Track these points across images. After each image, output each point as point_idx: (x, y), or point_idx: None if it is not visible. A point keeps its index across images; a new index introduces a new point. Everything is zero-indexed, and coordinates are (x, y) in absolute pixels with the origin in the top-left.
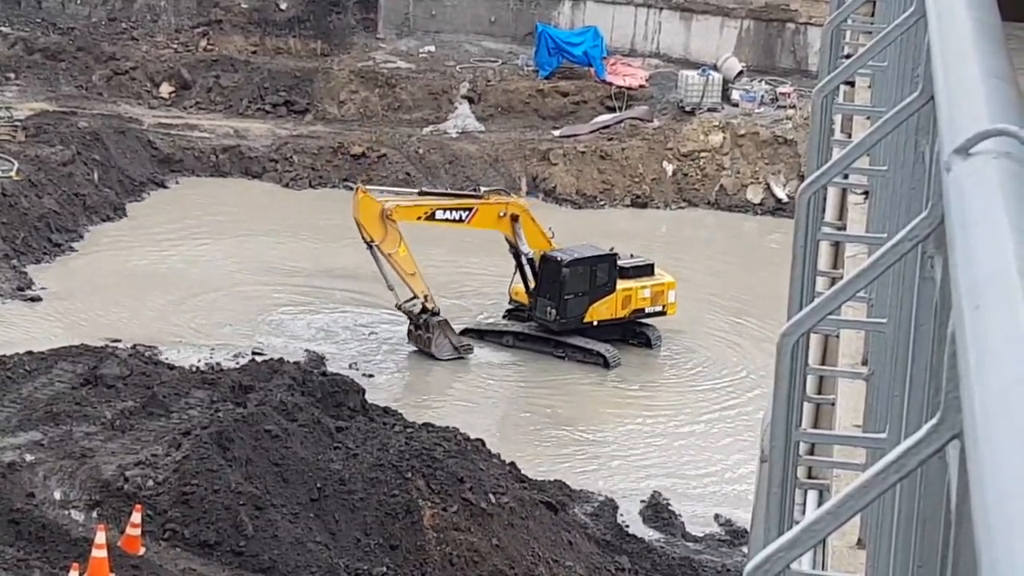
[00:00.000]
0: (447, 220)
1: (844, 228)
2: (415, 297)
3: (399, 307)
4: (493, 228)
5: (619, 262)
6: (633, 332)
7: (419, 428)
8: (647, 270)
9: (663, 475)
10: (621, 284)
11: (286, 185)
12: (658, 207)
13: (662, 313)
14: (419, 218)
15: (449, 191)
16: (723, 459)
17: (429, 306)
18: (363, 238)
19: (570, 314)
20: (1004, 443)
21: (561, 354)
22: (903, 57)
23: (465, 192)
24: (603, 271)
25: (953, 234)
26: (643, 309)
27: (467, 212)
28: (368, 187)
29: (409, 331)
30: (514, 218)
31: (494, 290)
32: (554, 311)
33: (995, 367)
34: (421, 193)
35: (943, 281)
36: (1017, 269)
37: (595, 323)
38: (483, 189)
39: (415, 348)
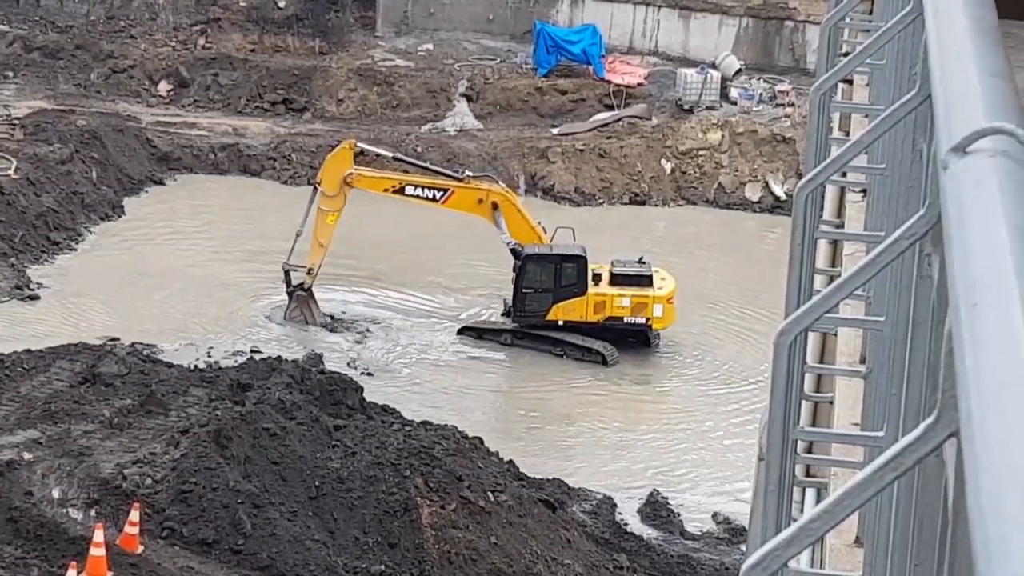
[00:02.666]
0: (419, 197)
1: (842, 226)
2: (302, 268)
3: (284, 265)
4: (471, 212)
5: (614, 269)
6: (631, 332)
7: (417, 426)
8: (642, 280)
9: (661, 473)
10: (599, 289)
11: (284, 183)
12: (656, 205)
13: (647, 326)
14: (386, 190)
15: (429, 166)
16: (721, 457)
17: (305, 280)
18: (317, 178)
19: (527, 309)
20: (1000, 441)
21: (559, 352)
22: (901, 55)
23: (445, 171)
24: (571, 271)
25: (950, 232)
26: (621, 318)
27: (442, 192)
28: (364, 146)
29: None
30: (495, 206)
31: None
32: (510, 303)
33: (992, 365)
34: (395, 158)
35: (940, 279)
36: (1014, 267)
37: (560, 322)
38: (468, 174)
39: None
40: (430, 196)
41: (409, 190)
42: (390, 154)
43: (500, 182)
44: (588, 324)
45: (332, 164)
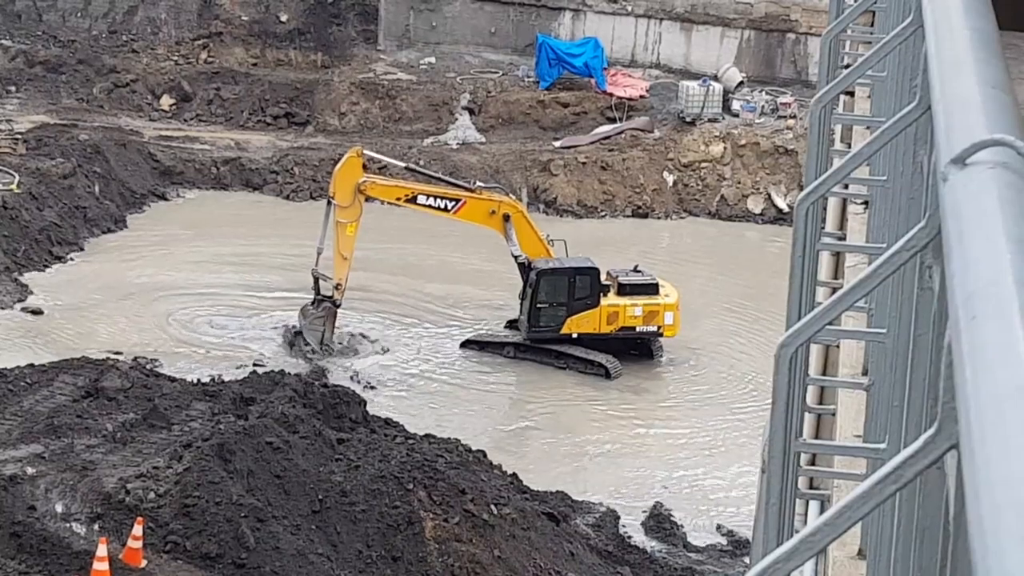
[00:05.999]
0: (430, 207)
1: (844, 238)
2: (331, 281)
3: (313, 271)
4: (482, 224)
5: (620, 279)
6: (635, 343)
7: (421, 439)
8: (649, 289)
9: (664, 485)
10: (611, 300)
11: (287, 197)
12: (659, 217)
13: (658, 334)
14: (398, 199)
15: (441, 177)
16: (725, 469)
17: (335, 295)
18: (329, 192)
19: (543, 323)
20: (999, 453)
21: (562, 365)
22: (902, 67)
23: (456, 182)
24: (583, 284)
25: (950, 244)
26: (633, 328)
27: (454, 203)
28: (370, 153)
29: (304, 307)
30: (506, 218)
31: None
32: (525, 319)
33: (991, 377)
34: (408, 168)
35: (941, 291)
36: (1013, 279)
37: (574, 335)
38: (479, 184)
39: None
40: (442, 206)
41: (421, 199)
42: (402, 164)
43: (510, 194)
44: (601, 335)
45: (342, 174)
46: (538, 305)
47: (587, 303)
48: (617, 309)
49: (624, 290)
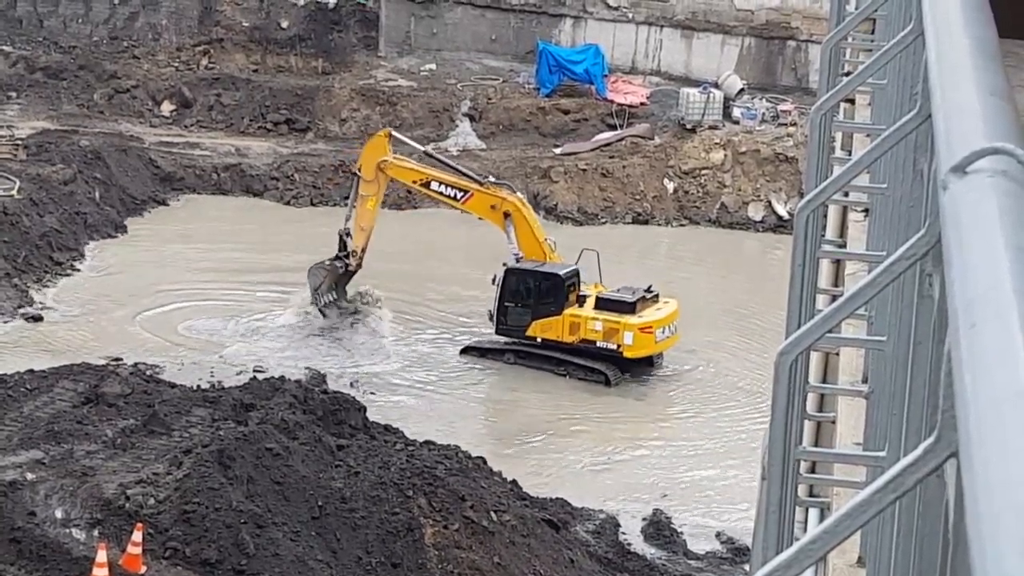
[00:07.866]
0: (442, 194)
1: (844, 245)
2: (350, 249)
3: (340, 231)
4: (484, 217)
5: (601, 294)
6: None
7: (420, 446)
8: (624, 307)
9: (664, 492)
10: (574, 310)
11: (287, 203)
12: (659, 224)
13: (617, 352)
14: (414, 182)
15: (456, 166)
16: (725, 476)
17: (351, 262)
18: (356, 165)
19: (509, 322)
20: (998, 456)
21: (562, 372)
22: (902, 75)
23: (469, 173)
24: (547, 289)
25: (949, 252)
26: (594, 342)
27: (463, 193)
28: (397, 134)
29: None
30: (507, 215)
31: None
32: (494, 314)
33: (990, 382)
34: (426, 154)
35: (941, 299)
36: (1012, 287)
37: (539, 339)
38: (490, 179)
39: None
40: (452, 195)
41: (434, 186)
42: (421, 148)
43: (518, 192)
44: (565, 344)
45: (369, 150)
46: (506, 303)
47: (551, 309)
48: (578, 320)
49: (600, 304)
